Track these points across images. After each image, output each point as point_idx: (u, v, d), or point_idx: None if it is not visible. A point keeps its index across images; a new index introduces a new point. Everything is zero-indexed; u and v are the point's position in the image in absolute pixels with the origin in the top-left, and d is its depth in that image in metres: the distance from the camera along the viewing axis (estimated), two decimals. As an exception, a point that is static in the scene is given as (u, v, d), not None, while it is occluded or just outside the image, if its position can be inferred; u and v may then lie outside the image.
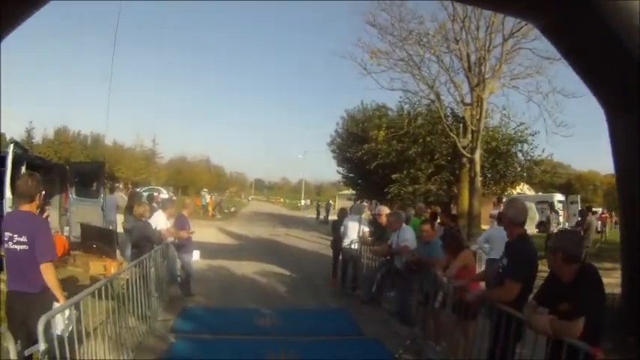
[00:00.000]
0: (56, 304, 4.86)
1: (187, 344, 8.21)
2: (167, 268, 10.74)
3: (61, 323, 4.69)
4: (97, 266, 8.39)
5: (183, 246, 11.36)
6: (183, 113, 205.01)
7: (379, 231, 12.64)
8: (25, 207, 5.18)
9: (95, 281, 8.39)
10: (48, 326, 4.32)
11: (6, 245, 5.09)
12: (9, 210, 11.30)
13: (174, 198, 55.26)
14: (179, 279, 11.46)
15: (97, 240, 9.21)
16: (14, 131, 75.65)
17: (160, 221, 10.85)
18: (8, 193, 11.39)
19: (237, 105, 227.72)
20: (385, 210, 12.96)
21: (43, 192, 5.41)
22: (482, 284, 7.85)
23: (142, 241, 9.57)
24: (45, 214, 5.88)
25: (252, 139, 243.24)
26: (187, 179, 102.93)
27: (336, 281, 14.01)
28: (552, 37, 10.01)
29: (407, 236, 10.55)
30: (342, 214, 15.05)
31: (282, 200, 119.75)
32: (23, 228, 5.02)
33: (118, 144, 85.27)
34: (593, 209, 28.65)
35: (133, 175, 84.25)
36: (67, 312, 4.83)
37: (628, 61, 8.08)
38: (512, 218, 5.84)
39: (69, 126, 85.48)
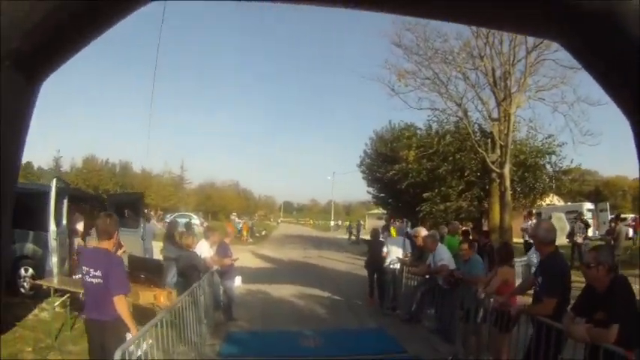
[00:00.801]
0: (128, 334, 5.24)
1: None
2: (212, 295, 11.02)
3: (135, 351, 5.07)
4: (147, 296, 8.69)
5: (226, 272, 11.66)
6: (211, 138, 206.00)
7: (417, 252, 12.86)
8: (104, 244, 5.70)
9: (138, 309, 8.80)
10: (124, 356, 4.70)
11: (83, 278, 5.63)
12: (54, 242, 11.80)
13: (206, 224, 55.94)
14: (222, 304, 11.75)
15: (144, 271, 9.54)
16: (42, 159, 76.57)
17: (204, 250, 11.12)
18: (53, 226, 11.85)
19: (263, 128, 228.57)
20: (422, 231, 13.10)
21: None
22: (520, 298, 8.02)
23: (189, 270, 9.88)
24: (121, 250, 6.40)
25: (280, 161, 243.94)
26: (217, 204, 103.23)
27: (374, 300, 14.15)
28: (575, 54, 10.15)
29: (443, 256, 10.81)
30: (375, 234, 15.39)
31: (311, 222, 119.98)
32: (99, 264, 5.51)
33: (146, 171, 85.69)
34: (623, 216, 28.66)
35: (162, 201, 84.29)
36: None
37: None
38: (542, 239, 6.32)
39: (97, 154, 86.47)
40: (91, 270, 5.49)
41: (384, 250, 13.66)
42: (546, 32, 11.09)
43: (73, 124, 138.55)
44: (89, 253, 6.32)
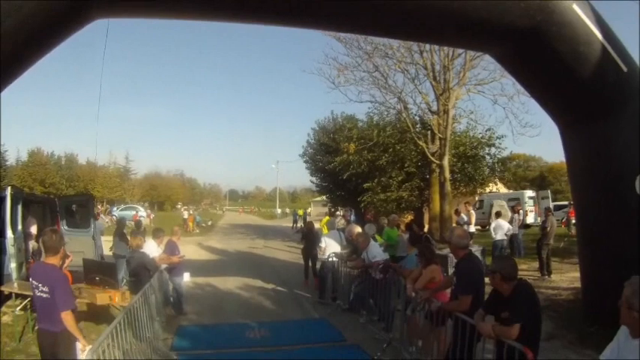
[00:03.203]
0: (78, 344, 5.73)
1: (190, 360, 9.13)
2: (162, 291, 11.55)
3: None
4: (102, 297, 9.21)
5: (175, 269, 12.16)
6: (155, 128, 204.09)
7: (352, 246, 13.63)
8: (51, 259, 6.03)
9: (93, 308, 9.35)
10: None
11: (34, 292, 6.00)
12: (12, 248, 12.20)
13: (152, 215, 55.82)
14: (172, 299, 12.29)
15: (99, 273, 10.03)
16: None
17: (152, 249, 11.63)
18: (9, 232, 12.20)
19: (208, 118, 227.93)
20: (356, 229, 13.90)
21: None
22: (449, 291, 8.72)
23: (140, 269, 10.36)
24: (69, 260, 6.85)
25: (226, 151, 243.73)
26: (163, 194, 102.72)
27: (308, 282, 16.09)
28: (507, 66, 11.00)
29: (375, 253, 11.72)
30: (310, 225, 17.76)
31: (256, 210, 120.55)
32: (45, 279, 5.83)
33: (91, 162, 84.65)
34: (564, 203, 32.75)
35: (108, 193, 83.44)
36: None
37: (576, 83, 9.15)
38: (456, 244, 7.08)
39: (42, 147, 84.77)
40: (40, 285, 5.82)
41: (322, 245, 14.55)
42: (483, 48, 11.93)
43: (17, 116, 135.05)
44: (37, 267, 6.59)
